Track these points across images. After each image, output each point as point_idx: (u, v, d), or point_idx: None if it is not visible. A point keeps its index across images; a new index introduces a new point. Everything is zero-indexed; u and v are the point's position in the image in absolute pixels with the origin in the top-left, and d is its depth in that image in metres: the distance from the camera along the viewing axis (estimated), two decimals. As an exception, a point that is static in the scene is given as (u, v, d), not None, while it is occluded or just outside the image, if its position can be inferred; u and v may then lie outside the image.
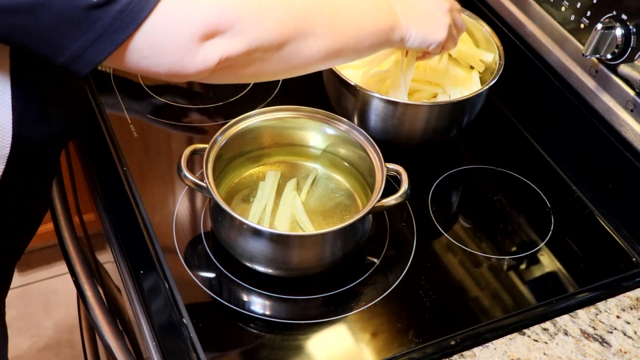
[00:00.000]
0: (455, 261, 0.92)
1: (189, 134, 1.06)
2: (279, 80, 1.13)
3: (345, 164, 0.95)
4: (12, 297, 1.61)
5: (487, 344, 0.82)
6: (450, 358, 0.81)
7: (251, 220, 0.85)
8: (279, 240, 0.83)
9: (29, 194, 0.82)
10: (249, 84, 1.12)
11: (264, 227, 0.83)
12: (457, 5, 0.89)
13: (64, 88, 0.79)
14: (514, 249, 0.94)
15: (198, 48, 0.64)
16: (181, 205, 0.95)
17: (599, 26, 0.92)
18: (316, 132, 0.94)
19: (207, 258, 0.89)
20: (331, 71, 0.98)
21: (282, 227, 0.87)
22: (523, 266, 0.92)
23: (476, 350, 0.81)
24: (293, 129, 0.94)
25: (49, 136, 0.76)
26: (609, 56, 0.94)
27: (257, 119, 0.91)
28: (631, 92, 0.95)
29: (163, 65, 0.65)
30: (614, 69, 0.97)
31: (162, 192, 0.97)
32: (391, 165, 0.87)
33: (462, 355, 0.81)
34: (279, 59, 0.70)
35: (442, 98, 1.01)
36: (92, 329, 1.15)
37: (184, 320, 0.82)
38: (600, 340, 0.83)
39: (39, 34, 0.61)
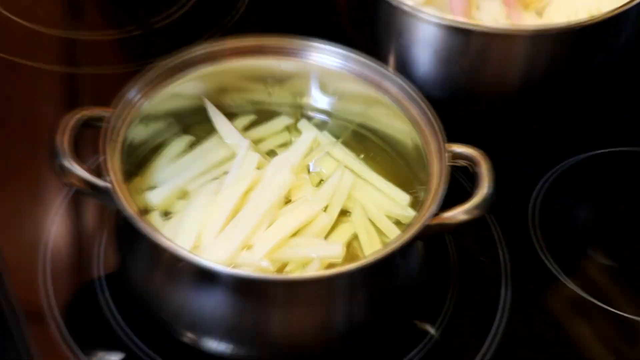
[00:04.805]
0: (587, 331, 0.92)
1: (73, 89, 1.09)
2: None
3: (375, 142, 0.95)
4: None
5: None
6: None
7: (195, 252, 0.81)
8: (249, 291, 0.79)
9: None
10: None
11: (220, 266, 0.77)
12: None
13: None
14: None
15: None
16: (58, 226, 0.94)
17: None
18: (317, 84, 0.95)
19: (108, 326, 0.87)
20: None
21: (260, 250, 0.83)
22: None
23: None
24: (274, 78, 0.95)
25: None
26: None
27: (205, 60, 0.91)
28: None
29: None
30: None
31: (21, 200, 0.97)
32: (460, 149, 0.86)
33: None
34: None
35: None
36: None
37: None
38: None
39: None
